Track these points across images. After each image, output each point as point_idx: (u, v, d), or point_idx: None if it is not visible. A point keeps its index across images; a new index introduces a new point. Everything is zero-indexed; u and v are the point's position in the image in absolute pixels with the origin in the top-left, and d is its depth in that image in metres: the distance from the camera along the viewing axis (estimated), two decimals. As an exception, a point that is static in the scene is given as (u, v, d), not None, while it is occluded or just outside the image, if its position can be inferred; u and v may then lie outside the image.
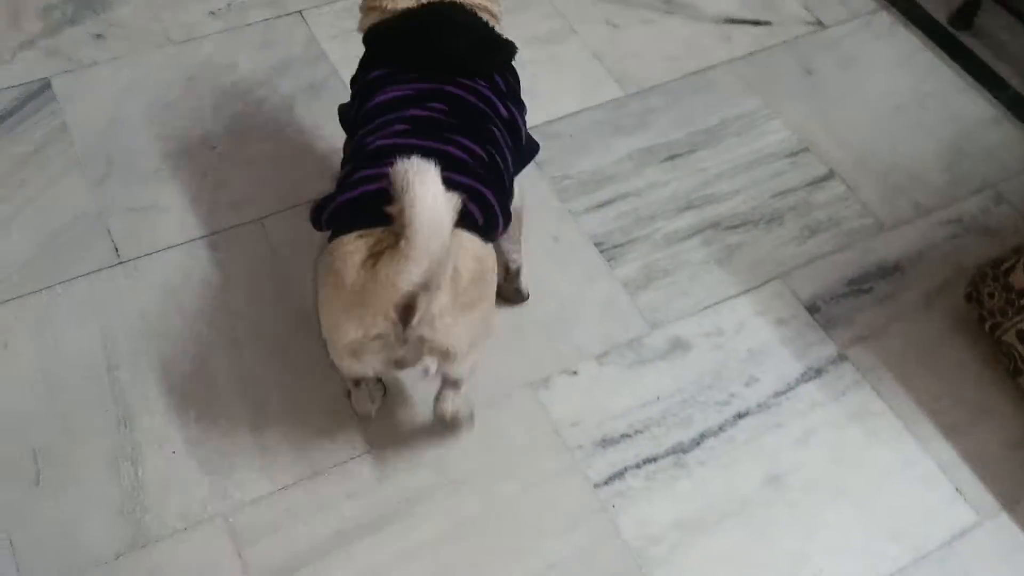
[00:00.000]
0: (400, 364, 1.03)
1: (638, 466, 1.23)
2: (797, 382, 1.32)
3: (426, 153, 0.89)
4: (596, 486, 1.20)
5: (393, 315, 0.94)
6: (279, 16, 1.68)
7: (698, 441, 1.25)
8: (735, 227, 1.49)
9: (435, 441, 1.23)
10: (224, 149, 1.50)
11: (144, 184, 1.45)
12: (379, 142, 1.04)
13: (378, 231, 0.94)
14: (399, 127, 1.05)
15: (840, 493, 1.23)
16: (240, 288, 1.35)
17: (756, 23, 1.79)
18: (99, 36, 1.62)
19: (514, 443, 1.24)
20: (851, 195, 1.55)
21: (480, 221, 1.01)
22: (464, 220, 0.94)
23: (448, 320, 0.97)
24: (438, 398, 1.15)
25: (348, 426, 1.23)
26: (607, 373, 1.30)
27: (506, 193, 1.10)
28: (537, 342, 1.33)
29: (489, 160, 1.07)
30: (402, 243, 0.88)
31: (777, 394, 1.30)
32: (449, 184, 0.89)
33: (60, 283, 1.33)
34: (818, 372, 1.33)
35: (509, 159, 1.13)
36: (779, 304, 1.40)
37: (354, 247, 0.95)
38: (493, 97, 1.12)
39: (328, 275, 0.99)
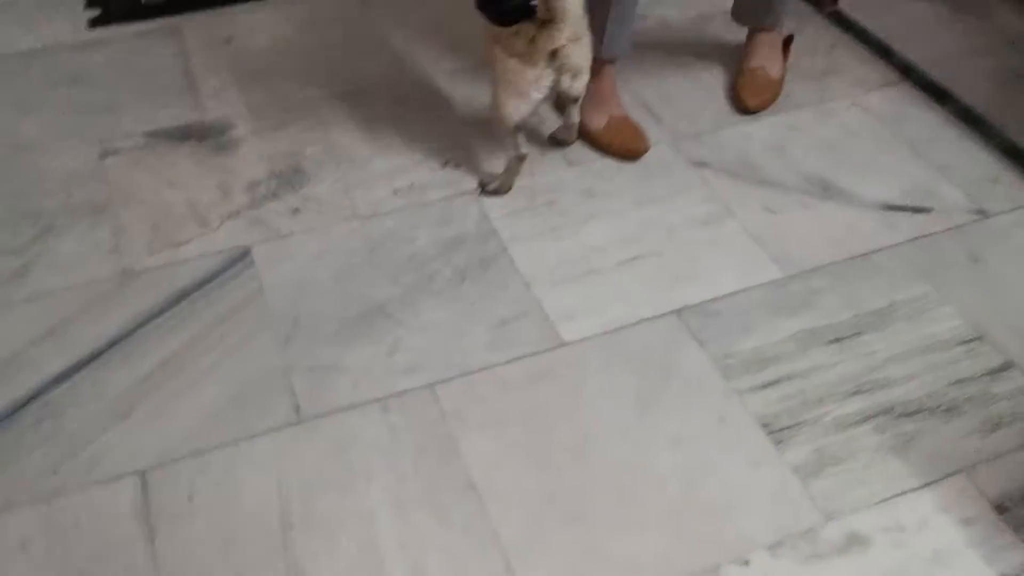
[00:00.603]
0: (554, 86, 1.66)
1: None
2: (990, 589, 1.22)
3: None
4: None
5: (547, 59, 1.60)
6: (456, 195, 1.82)
7: (882, 647, 1.16)
8: (910, 414, 1.44)
9: None
10: (400, 316, 1.60)
11: (326, 345, 1.55)
12: None
13: (525, 24, 1.58)
14: None
15: None
16: (408, 452, 1.39)
17: (916, 210, 1.79)
18: (296, 210, 1.79)
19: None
20: (1033, 388, 1.48)
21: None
22: None
23: (574, 49, 1.61)
24: (566, 114, 1.85)
25: None
26: (782, 567, 1.25)
27: None
28: (703, 528, 1.30)
29: None
30: (551, 25, 1.55)
31: (968, 601, 1.21)
32: None
33: (244, 439, 1.41)
34: (1012, 580, 1.23)
35: None
36: (964, 501, 1.32)
37: (518, 31, 1.59)
38: None
39: (506, 50, 1.63)
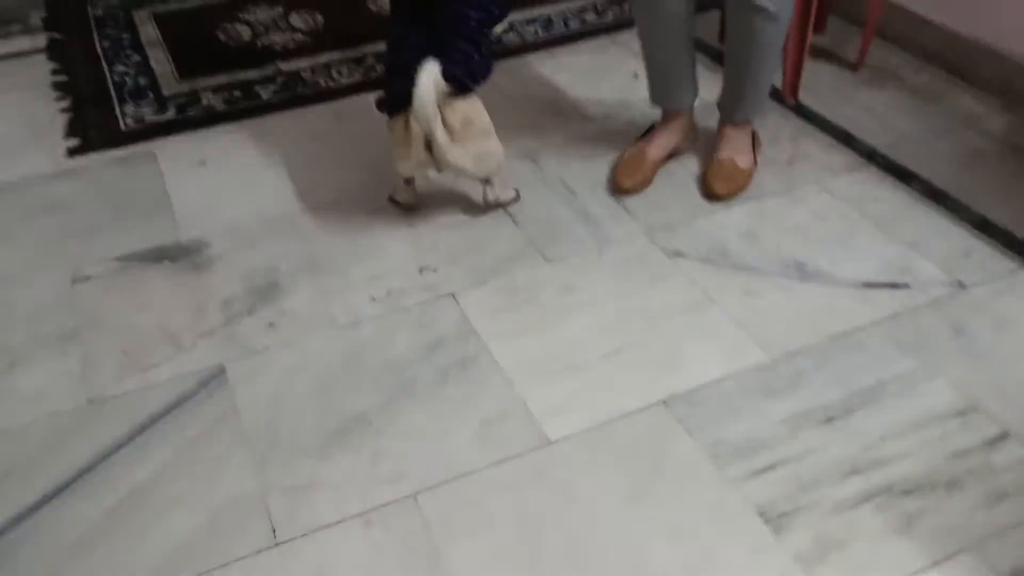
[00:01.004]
0: (438, 169, 1.87)
1: None
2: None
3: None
4: None
5: (423, 150, 1.82)
6: (434, 299, 1.81)
7: None
8: (910, 492, 1.40)
9: None
10: (381, 424, 1.55)
11: (305, 461, 1.50)
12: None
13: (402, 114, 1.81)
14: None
15: None
16: (392, 568, 1.33)
17: (894, 286, 1.79)
18: (272, 324, 1.77)
19: None
20: (1034, 457, 1.45)
21: (463, 85, 1.82)
22: (456, 89, 1.80)
23: (448, 151, 1.81)
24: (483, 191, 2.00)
25: None
26: (793, 660, 1.17)
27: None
28: (708, 623, 1.23)
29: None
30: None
31: None
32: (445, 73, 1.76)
33: (217, 569, 1.34)
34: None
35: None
36: (977, 579, 1.26)
37: (398, 121, 1.84)
38: None
39: (391, 137, 1.87)
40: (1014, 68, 2.29)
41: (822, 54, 2.53)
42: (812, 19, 2.29)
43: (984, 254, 1.86)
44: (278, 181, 2.16)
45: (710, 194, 2.04)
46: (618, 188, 2.07)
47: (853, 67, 2.51)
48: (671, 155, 2.16)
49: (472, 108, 1.84)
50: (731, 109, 2.09)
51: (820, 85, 2.43)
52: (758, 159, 2.13)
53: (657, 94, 2.14)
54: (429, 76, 1.73)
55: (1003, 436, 1.48)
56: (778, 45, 1.97)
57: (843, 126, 2.26)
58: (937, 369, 1.61)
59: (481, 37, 1.88)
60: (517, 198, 2.04)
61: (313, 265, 1.91)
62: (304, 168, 2.20)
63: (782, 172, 2.12)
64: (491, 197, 1.99)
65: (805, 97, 2.38)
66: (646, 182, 2.09)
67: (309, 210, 2.06)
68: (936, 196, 1.99)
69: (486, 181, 1.96)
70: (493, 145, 1.89)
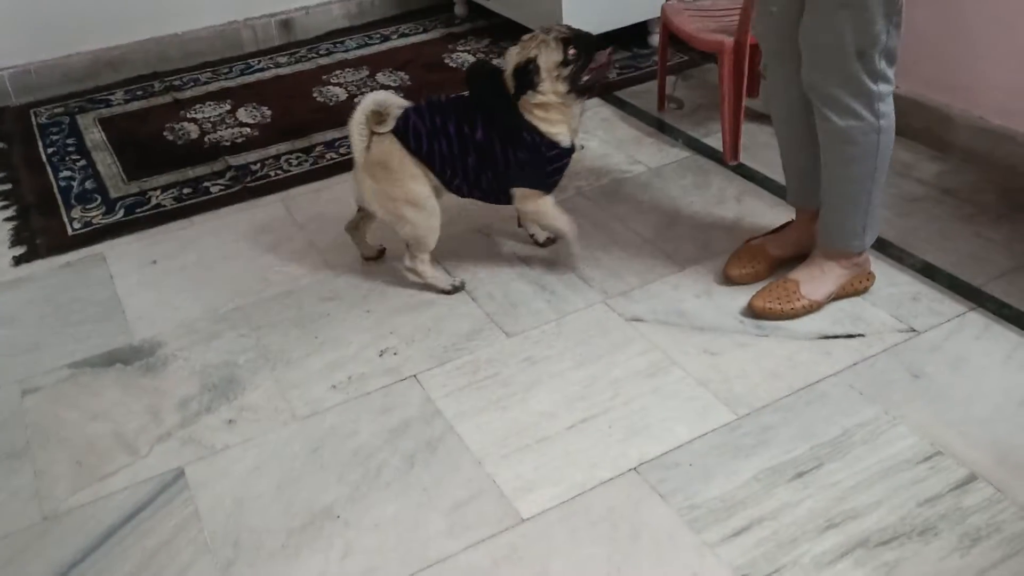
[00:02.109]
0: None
1: None
2: None
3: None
4: None
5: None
6: (396, 382, 1.79)
7: None
8: (887, 542, 1.39)
9: None
10: (349, 516, 1.51)
11: (271, 563, 1.45)
12: None
13: None
14: None
15: None
16: (372, 663, 1.27)
17: (850, 336, 1.82)
18: (231, 421, 1.73)
19: None
20: (1003, 497, 1.46)
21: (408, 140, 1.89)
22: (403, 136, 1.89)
23: (361, 180, 1.95)
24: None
25: None
26: None
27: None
28: None
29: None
30: None
31: None
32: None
33: None
34: None
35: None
36: (962, 625, 1.25)
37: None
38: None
39: None
40: (940, 117, 2.39)
41: (757, 116, 2.61)
42: (745, 84, 2.37)
43: (932, 298, 1.90)
44: (231, 275, 2.14)
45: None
46: (725, 276, 1.98)
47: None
48: (797, 255, 1.97)
49: (391, 152, 1.89)
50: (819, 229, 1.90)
51: (758, 146, 2.50)
52: (833, 296, 1.90)
53: (788, 190, 2.03)
54: (372, 97, 1.87)
55: (971, 478, 1.49)
56: (866, 165, 1.74)
57: (779, 182, 2.33)
58: (900, 415, 1.62)
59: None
60: (447, 291, 2.02)
61: (271, 358, 1.88)
62: (256, 260, 2.19)
63: (729, 231, 2.16)
64: (407, 263, 2.01)
65: (745, 158, 2.45)
66: (757, 276, 1.96)
67: (264, 302, 2.04)
68: (880, 245, 2.04)
69: (406, 244, 2.00)
70: (411, 214, 1.93)
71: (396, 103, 1.90)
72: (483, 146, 1.90)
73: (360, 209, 2.04)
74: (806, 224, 1.97)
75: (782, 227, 2.07)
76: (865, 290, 1.92)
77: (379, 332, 1.92)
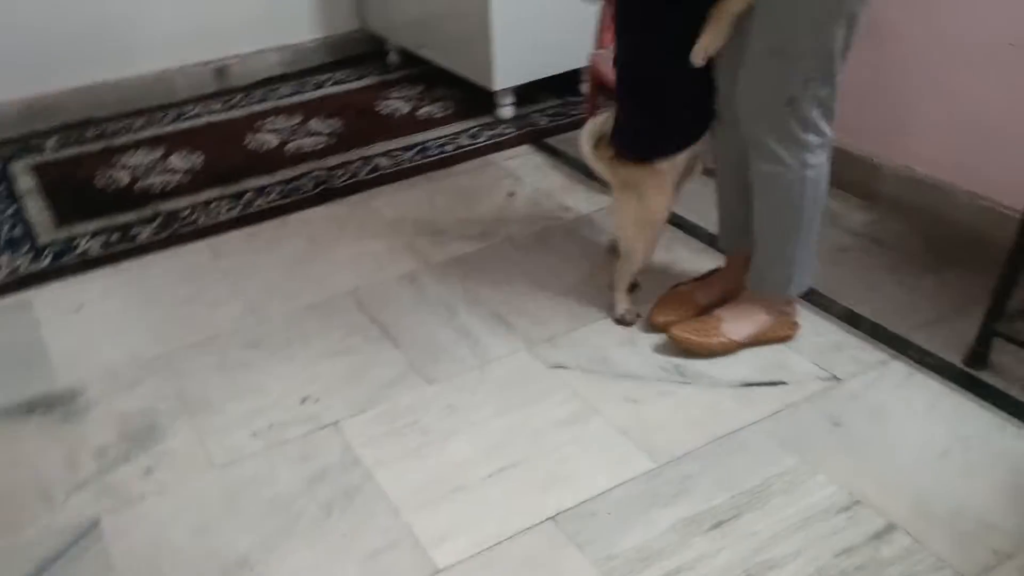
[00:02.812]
0: None
1: None
2: None
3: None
4: None
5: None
6: (316, 429, 1.76)
7: None
8: (801, 593, 1.39)
9: None
10: (264, 567, 1.48)
11: (180, 615, 1.41)
12: None
13: None
14: None
15: None
16: None
17: (772, 384, 1.83)
18: (149, 470, 1.69)
19: None
20: (920, 547, 1.46)
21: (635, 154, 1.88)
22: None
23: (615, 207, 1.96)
24: None
25: None
26: None
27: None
28: None
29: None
30: None
31: None
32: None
33: None
34: None
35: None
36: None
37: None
38: None
39: None
40: (868, 167, 2.45)
41: (693, 167, 2.66)
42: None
43: (855, 347, 1.93)
44: (155, 321, 2.11)
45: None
46: (650, 322, 1.99)
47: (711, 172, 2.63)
48: (725, 302, 1.98)
49: (632, 172, 1.89)
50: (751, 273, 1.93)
51: (687, 193, 2.53)
52: (752, 339, 1.91)
53: (719, 235, 2.04)
54: (587, 127, 1.91)
55: (889, 528, 1.50)
56: (791, 214, 1.76)
57: (711, 231, 2.36)
58: (819, 464, 1.63)
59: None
60: (624, 320, 2.01)
61: (191, 405, 1.84)
62: (181, 306, 2.16)
63: (658, 276, 2.18)
64: (614, 280, 2.04)
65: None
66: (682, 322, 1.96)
67: (187, 348, 2.01)
68: (806, 293, 2.07)
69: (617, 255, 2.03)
70: (633, 236, 1.95)
71: (605, 120, 1.90)
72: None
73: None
74: (735, 271, 2.00)
75: (710, 273, 2.10)
76: (787, 338, 1.94)
77: (301, 379, 1.90)
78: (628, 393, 1.83)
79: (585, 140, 1.90)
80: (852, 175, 2.46)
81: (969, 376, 1.83)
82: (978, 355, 1.84)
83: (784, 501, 1.56)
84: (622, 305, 2.01)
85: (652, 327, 2.00)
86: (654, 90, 1.81)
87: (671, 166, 1.88)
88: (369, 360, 1.95)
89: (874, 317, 2.01)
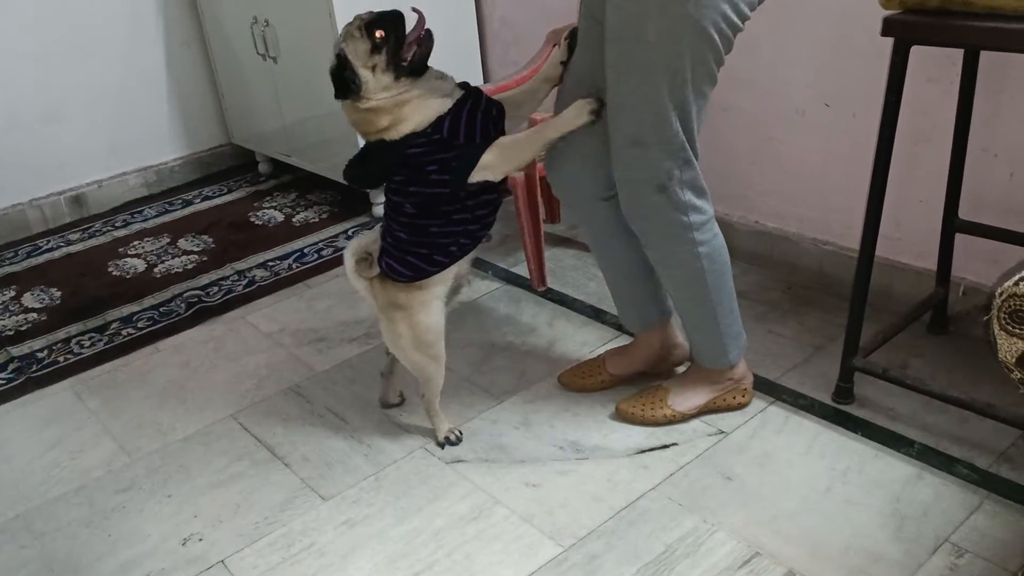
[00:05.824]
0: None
1: None
2: None
3: None
4: None
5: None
6: (202, 572, 1.65)
7: None
8: (717, 658, 1.39)
9: None
10: None
11: None
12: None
13: None
14: None
15: None
16: None
17: (665, 447, 1.86)
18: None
19: None
20: (819, 589, 1.50)
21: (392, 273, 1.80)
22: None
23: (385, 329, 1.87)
24: None
25: None
26: None
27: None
28: None
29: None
30: None
31: None
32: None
33: None
34: None
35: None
36: None
37: None
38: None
39: None
40: (723, 227, 2.56)
41: (561, 241, 2.73)
42: (540, 213, 2.48)
43: (735, 398, 1.99)
44: (11, 479, 1.95)
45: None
46: (559, 380, 2.08)
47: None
48: (641, 372, 2.03)
49: (396, 291, 1.82)
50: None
51: (565, 268, 2.60)
52: (702, 410, 1.94)
53: (622, 319, 2.05)
54: (350, 246, 1.82)
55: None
56: (699, 290, 1.78)
57: (591, 303, 2.42)
58: (717, 521, 1.66)
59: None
60: (450, 442, 1.92)
61: (56, 568, 1.69)
62: (41, 457, 2.01)
63: (544, 357, 2.20)
64: (425, 409, 1.95)
65: (553, 282, 2.53)
66: (584, 389, 2.03)
67: (49, 504, 1.86)
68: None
69: (421, 395, 1.94)
70: (419, 359, 1.85)
71: (373, 240, 1.83)
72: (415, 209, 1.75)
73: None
74: (649, 344, 2.02)
75: (625, 347, 2.09)
76: (740, 405, 1.96)
77: (182, 518, 1.79)
78: (527, 478, 1.81)
79: (349, 256, 1.81)
80: (740, 243, 2.56)
81: (838, 411, 1.91)
82: (843, 390, 1.94)
83: (688, 565, 1.57)
84: (443, 428, 1.92)
85: (560, 383, 2.08)
86: (415, 212, 1.75)
87: (440, 280, 1.83)
88: (257, 484, 1.86)
89: (749, 367, 2.08)
